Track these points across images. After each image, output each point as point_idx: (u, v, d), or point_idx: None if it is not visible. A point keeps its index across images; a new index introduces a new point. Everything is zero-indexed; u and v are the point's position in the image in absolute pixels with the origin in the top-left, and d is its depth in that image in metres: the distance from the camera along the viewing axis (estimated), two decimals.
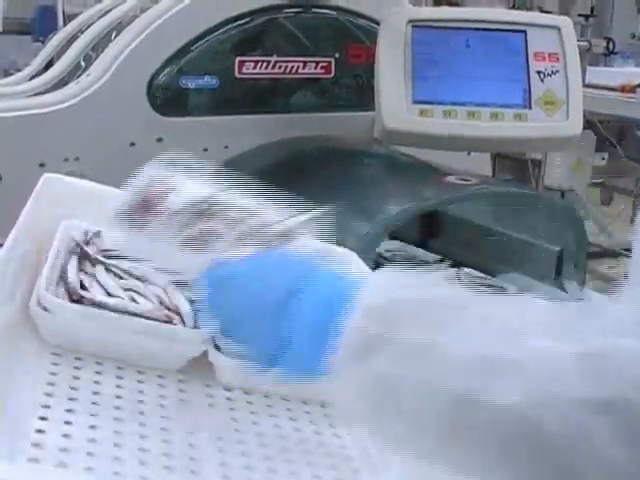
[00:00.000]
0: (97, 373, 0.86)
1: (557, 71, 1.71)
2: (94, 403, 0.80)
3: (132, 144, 1.76)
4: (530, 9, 5.17)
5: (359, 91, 2.01)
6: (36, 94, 1.91)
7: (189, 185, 0.72)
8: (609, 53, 4.69)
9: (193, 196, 0.71)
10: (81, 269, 0.95)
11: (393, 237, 1.82)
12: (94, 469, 0.70)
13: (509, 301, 0.58)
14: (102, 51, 1.82)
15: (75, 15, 2.47)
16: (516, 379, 0.51)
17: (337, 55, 1.96)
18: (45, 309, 0.85)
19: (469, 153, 2.06)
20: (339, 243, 1.18)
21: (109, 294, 0.92)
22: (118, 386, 0.85)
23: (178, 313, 0.93)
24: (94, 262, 0.97)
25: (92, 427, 0.76)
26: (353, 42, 1.99)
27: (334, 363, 0.59)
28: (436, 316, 0.56)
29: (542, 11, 4.94)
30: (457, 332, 0.54)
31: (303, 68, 1.92)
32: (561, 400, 0.49)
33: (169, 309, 0.94)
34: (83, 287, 0.92)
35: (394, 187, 1.68)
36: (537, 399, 0.50)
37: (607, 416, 0.48)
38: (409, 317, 0.57)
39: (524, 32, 1.71)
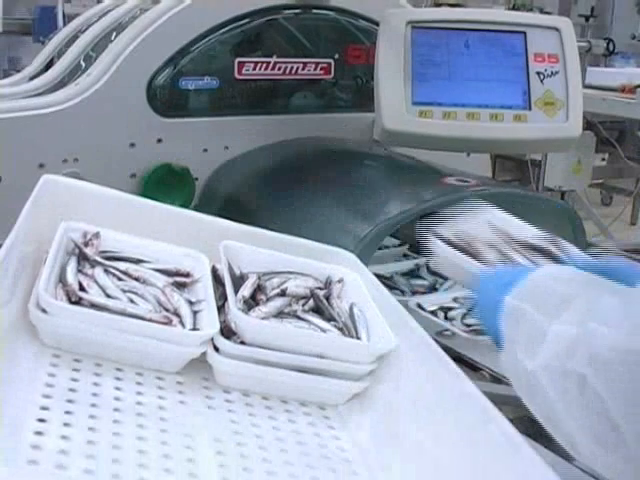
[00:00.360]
0: (96, 375, 0.86)
1: (557, 72, 1.71)
2: (93, 405, 0.80)
3: (132, 145, 1.76)
4: (530, 10, 5.17)
5: (359, 92, 2.01)
6: (36, 95, 1.91)
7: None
8: (609, 54, 4.69)
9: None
10: (80, 270, 0.95)
11: (393, 237, 1.83)
12: (93, 471, 0.70)
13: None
14: (102, 52, 1.82)
15: (76, 15, 2.46)
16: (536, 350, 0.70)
17: (337, 56, 1.96)
18: (44, 311, 0.85)
19: (469, 154, 2.06)
20: (339, 245, 1.19)
21: (108, 295, 0.92)
22: (117, 388, 0.85)
23: (177, 314, 0.93)
24: (93, 263, 0.97)
25: (91, 429, 0.76)
26: (353, 43, 1.99)
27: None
28: (556, 304, 0.73)
29: (542, 12, 4.94)
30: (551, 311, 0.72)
31: (303, 69, 1.92)
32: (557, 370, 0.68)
33: (168, 310, 0.94)
34: (82, 288, 0.92)
35: (394, 188, 1.68)
36: (545, 366, 0.69)
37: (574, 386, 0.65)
38: (540, 302, 0.75)
39: (524, 33, 1.71)
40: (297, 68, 1.91)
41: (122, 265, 0.98)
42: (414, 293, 1.60)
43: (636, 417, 0.61)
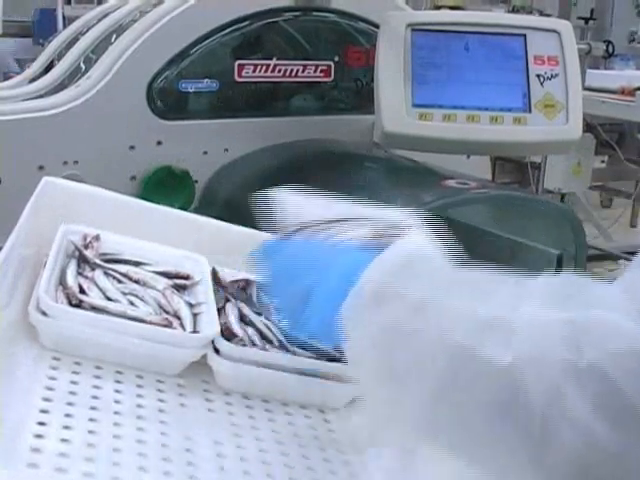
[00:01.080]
0: (96, 377, 0.85)
1: (557, 74, 1.71)
2: (93, 408, 0.80)
3: (131, 147, 1.76)
4: (530, 13, 5.18)
5: (359, 94, 2.01)
6: (36, 97, 1.91)
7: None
8: (609, 56, 4.69)
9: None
10: (80, 273, 0.95)
11: None
12: (93, 474, 0.70)
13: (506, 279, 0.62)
14: (102, 54, 1.82)
15: (76, 18, 2.47)
16: (507, 339, 0.54)
17: (337, 58, 1.96)
18: (44, 313, 0.85)
19: (469, 156, 2.06)
20: None
21: (108, 298, 0.92)
22: (117, 391, 0.84)
23: (177, 317, 0.93)
24: (93, 266, 0.97)
25: (91, 432, 0.76)
26: (353, 45, 1.99)
27: (344, 311, 0.62)
28: (445, 279, 0.60)
29: (542, 15, 4.95)
30: (461, 294, 0.59)
31: (303, 71, 1.92)
32: (545, 362, 0.53)
33: (168, 313, 0.94)
34: (82, 291, 0.91)
35: (393, 191, 1.68)
36: (523, 360, 0.53)
37: (584, 382, 0.52)
38: (420, 275, 0.61)
39: (524, 36, 1.71)
40: (297, 70, 1.91)
41: (122, 267, 0.98)
42: None
43: None
